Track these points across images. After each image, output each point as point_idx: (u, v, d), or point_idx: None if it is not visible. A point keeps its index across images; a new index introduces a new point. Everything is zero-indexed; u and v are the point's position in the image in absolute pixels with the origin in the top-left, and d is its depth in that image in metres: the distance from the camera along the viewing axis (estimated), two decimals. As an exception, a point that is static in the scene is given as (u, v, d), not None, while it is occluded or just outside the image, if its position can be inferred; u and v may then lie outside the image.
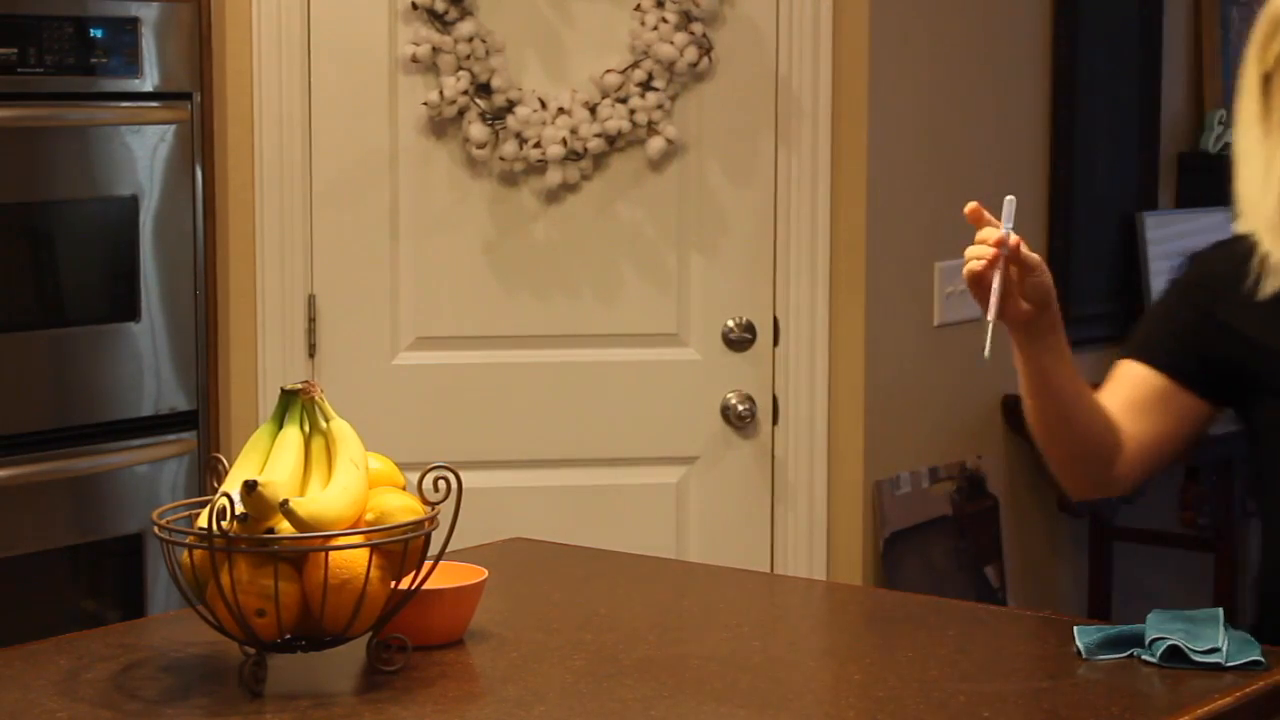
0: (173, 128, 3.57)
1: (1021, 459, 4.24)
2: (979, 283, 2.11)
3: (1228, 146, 4.72)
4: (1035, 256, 2.13)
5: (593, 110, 3.72)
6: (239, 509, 1.97)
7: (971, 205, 2.11)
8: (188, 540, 2.01)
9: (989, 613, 2.51)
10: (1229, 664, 2.02)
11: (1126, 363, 2.33)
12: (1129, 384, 2.31)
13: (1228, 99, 4.84)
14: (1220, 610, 2.12)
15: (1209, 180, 4.77)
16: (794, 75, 3.79)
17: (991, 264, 2.09)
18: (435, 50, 3.67)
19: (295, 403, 2.09)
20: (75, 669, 2.07)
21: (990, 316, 2.08)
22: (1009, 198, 2.10)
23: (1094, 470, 2.31)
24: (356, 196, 3.71)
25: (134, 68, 3.52)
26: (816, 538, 3.89)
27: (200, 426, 3.65)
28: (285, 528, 1.98)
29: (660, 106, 3.73)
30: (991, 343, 2.05)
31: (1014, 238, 2.11)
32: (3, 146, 3.37)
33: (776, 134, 3.80)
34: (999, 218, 2.11)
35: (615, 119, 3.71)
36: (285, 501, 1.96)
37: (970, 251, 2.12)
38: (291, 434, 2.07)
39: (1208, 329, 2.27)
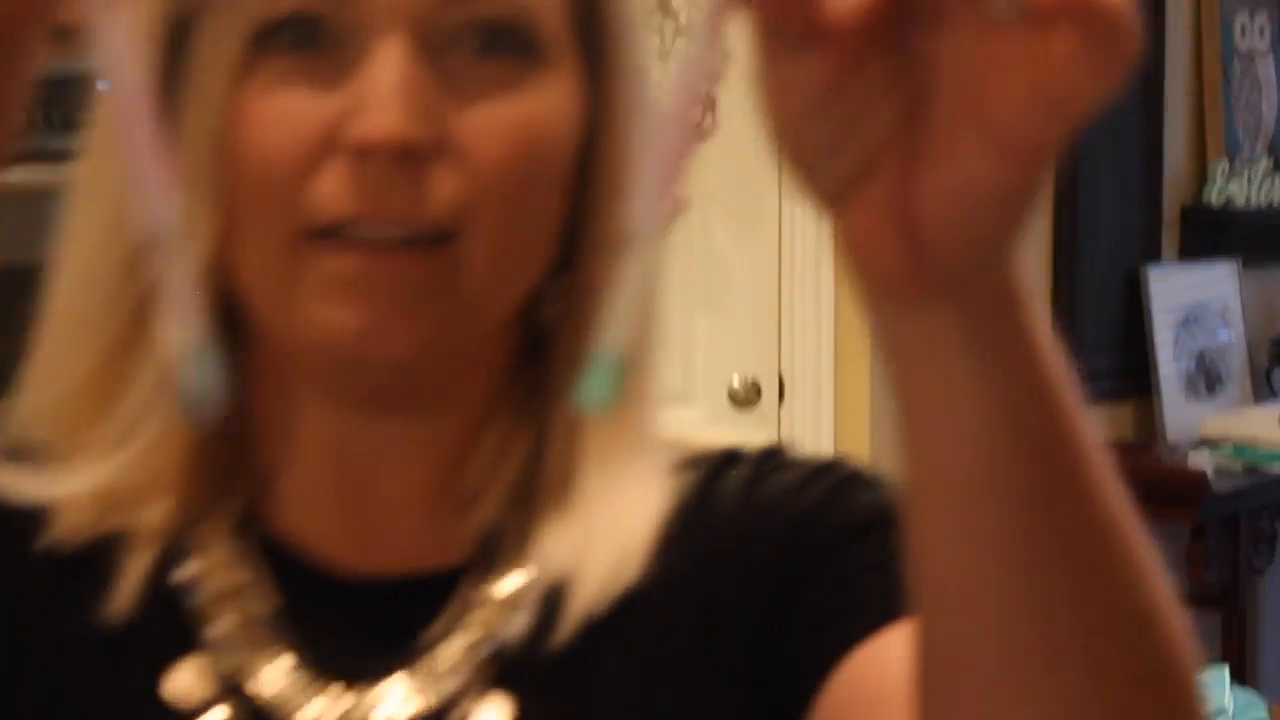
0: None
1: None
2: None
3: (1231, 200, 4.76)
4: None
5: (594, 168, 3.71)
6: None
7: None
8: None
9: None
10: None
11: None
12: None
13: (1231, 151, 4.85)
14: (1225, 668, 2.10)
15: (1213, 233, 4.77)
16: (796, 131, 3.79)
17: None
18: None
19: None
20: None
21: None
22: None
23: None
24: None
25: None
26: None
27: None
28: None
29: (662, 163, 3.72)
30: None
31: None
32: (21, 207, 3.36)
33: (780, 190, 3.79)
34: None
35: (617, 176, 3.71)
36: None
37: None
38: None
39: None
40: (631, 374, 0.64)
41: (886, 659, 0.84)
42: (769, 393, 3.82)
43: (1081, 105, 0.59)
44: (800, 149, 0.62)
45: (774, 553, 0.92)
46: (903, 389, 0.66)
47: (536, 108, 0.88)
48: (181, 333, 0.68)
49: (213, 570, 0.93)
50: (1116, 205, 4.54)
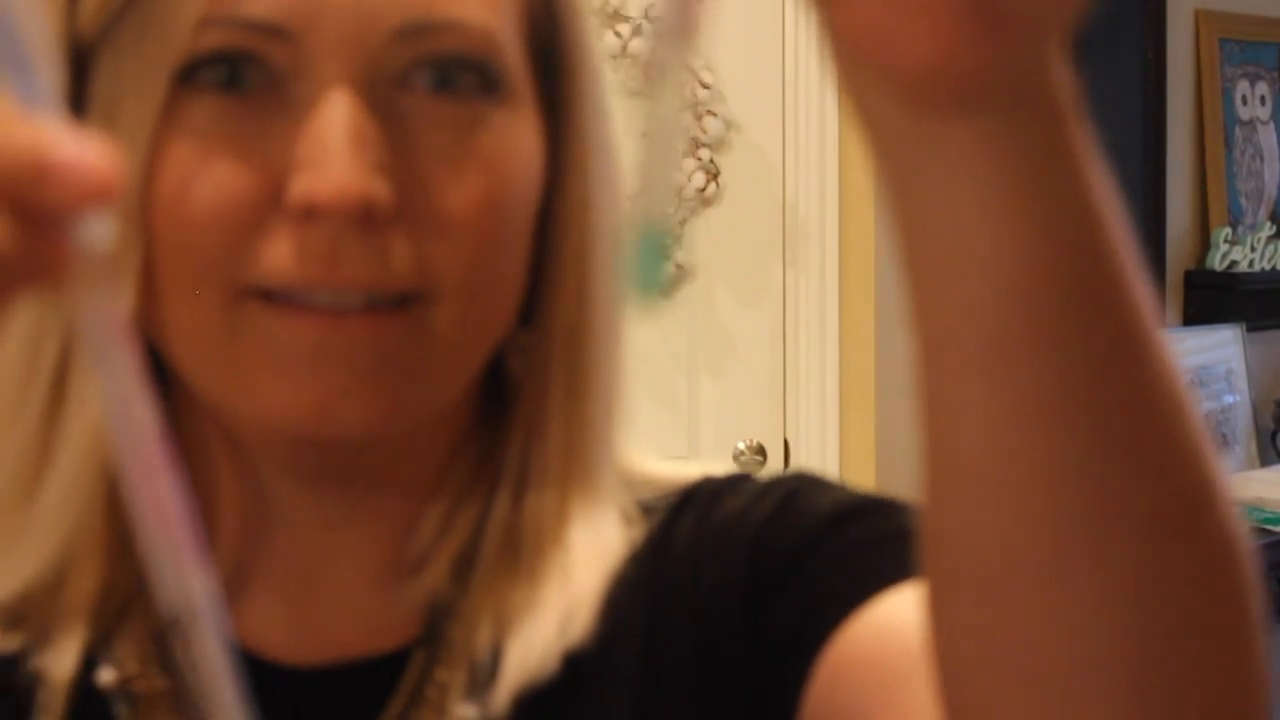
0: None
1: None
2: None
3: (1234, 264, 4.78)
4: None
5: (601, 236, 3.73)
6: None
7: None
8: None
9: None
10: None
11: None
12: None
13: (1234, 217, 4.87)
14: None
15: (1216, 298, 4.78)
16: (801, 199, 3.81)
17: None
18: (444, 179, 3.69)
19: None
20: None
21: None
22: None
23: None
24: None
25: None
26: (831, 661, 3.86)
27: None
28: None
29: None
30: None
31: None
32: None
33: (784, 257, 3.82)
34: None
35: (624, 244, 3.73)
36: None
37: None
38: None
39: None
40: (665, 265, 0.50)
41: (878, 630, 0.78)
42: (774, 457, 3.83)
43: None
44: None
45: (729, 578, 0.85)
46: (921, 231, 0.53)
47: (502, 154, 0.78)
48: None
49: (141, 671, 0.82)
50: (1120, 271, 4.55)
